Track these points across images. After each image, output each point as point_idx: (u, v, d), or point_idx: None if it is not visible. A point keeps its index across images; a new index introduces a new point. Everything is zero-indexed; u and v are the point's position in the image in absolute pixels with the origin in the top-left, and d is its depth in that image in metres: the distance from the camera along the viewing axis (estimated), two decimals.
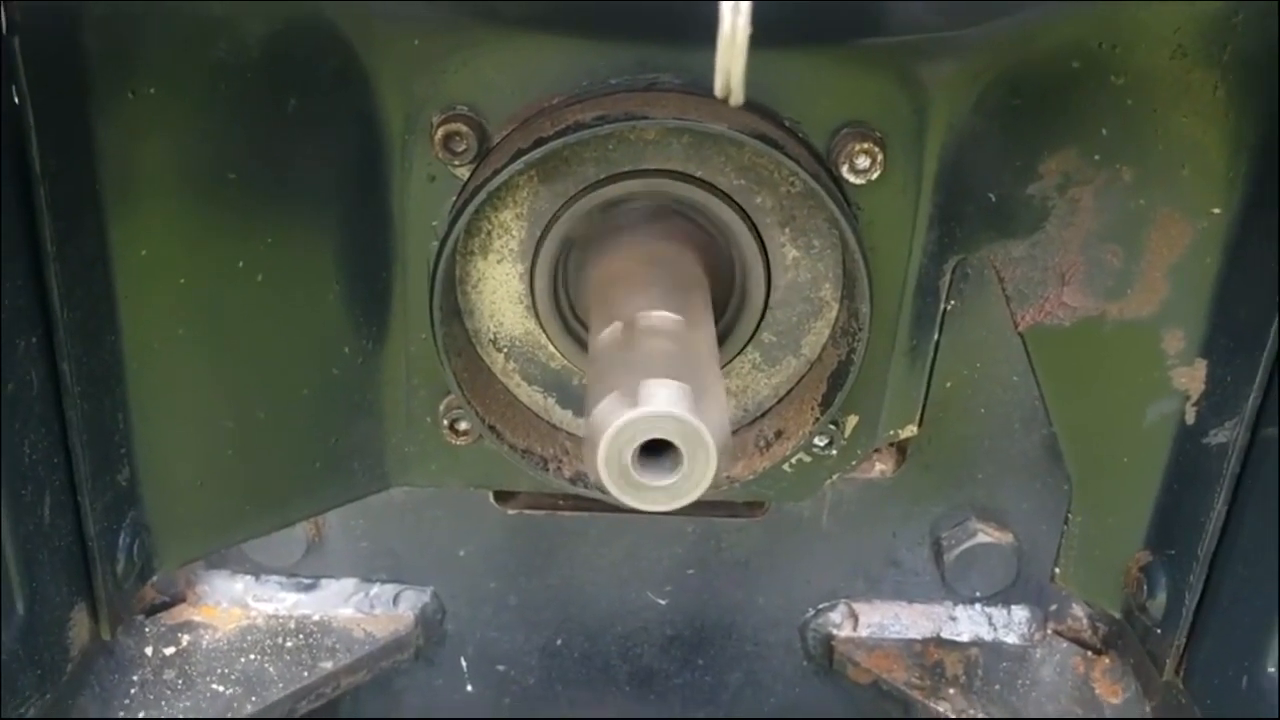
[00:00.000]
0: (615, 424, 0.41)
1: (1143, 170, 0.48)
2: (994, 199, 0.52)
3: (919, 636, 0.74)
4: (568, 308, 0.59)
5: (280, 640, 0.73)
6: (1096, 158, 0.48)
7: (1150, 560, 0.56)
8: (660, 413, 0.41)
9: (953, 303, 0.55)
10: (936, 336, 0.56)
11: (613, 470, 0.42)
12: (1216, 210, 0.47)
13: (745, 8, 0.23)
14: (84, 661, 0.57)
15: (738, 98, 0.27)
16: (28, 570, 0.46)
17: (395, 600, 0.76)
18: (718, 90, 0.27)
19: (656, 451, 0.42)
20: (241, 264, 0.50)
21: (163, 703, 0.67)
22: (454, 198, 0.54)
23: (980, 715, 0.70)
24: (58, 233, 0.44)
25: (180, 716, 0.66)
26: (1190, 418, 0.52)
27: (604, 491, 0.46)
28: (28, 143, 0.43)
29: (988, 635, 0.73)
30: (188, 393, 0.51)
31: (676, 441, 0.42)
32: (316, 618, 0.75)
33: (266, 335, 0.53)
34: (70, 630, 0.50)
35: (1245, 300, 0.48)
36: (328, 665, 0.72)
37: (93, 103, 0.45)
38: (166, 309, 0.49)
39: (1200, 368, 0.51)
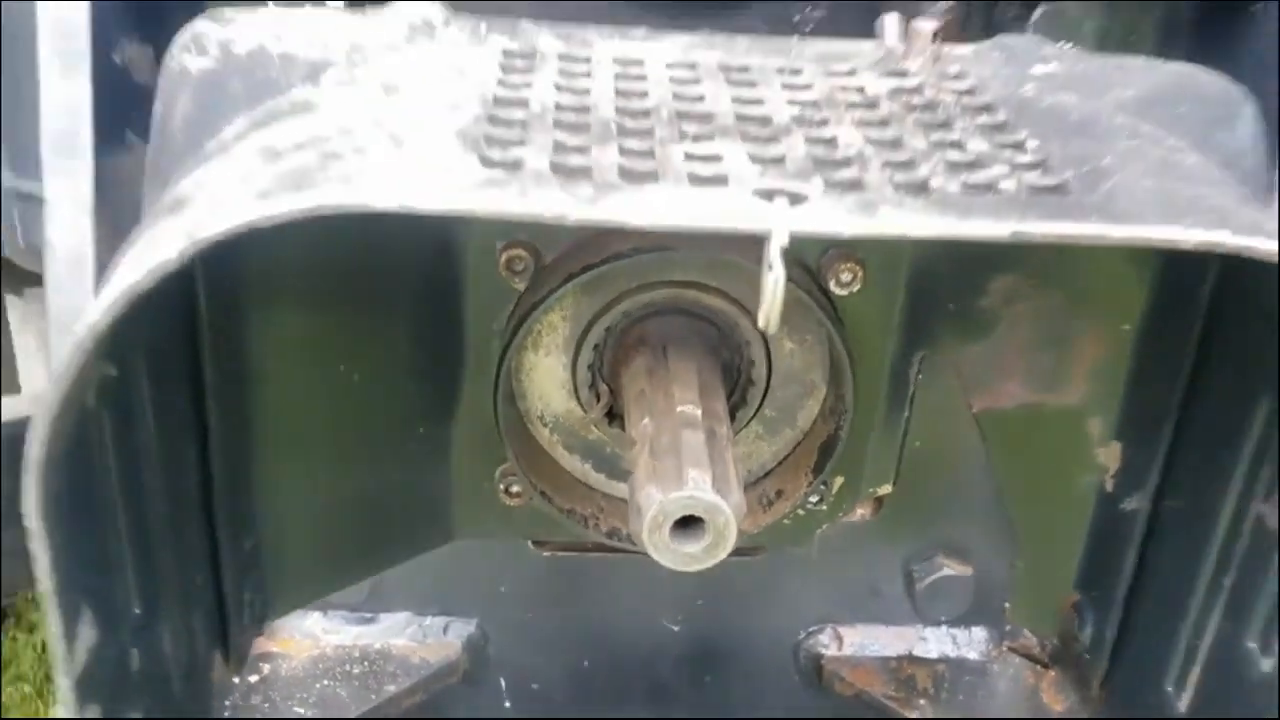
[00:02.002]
0: (658, 503, 0.53)
1: (1071, 294, 0.60)
2: (953, 308, 0.64)
3: (894, 654, 0.86)
4: (604, 389, 0.70)
5: (348, 667, 0.85)
6: (1034, 282, 0.60)
7: (1080, 599, 0.69)
8: (694, 496, 0.53)
9: (920, 388, 0.67)
10: (907, 414, 0.69)
11: (654, 539, 0.54)
12: (1126, 327, 0.59)
13: (781, 276, 0.35)
14: None
15: (774, 328, 0.38)
16: (189, 628, 0.57)
17: (445, 630, 0.87)
18: (760, 324, 0.38)
19: (688, 523, 0.54)
20: (346, 372, 0.62)
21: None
22: (512, 306, 0.65)
23: (946, 718, 0.83)
24: (216, 386, 0.55)
25: None
26: (1109, 487, 0.64)
27: (642, 550, 0.58)
28: (201, 334, 0.53)
29: (952, 652, 0.85)
30: (301, 477, 0.63)
31: (705, 518, 0.54)
32: (378, 646, 0.86)
33: (362, 424, 0.64)
34: (213, 673, 0.62)
35: (1149, 397, 0.60)
36: (391, 688, 0.84)
37: (251, 303, 0.56)
38: (290, 417, 0.60)
39: (1115, 448, 0.63)
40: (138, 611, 0.49)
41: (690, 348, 0.66)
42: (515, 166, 0.37)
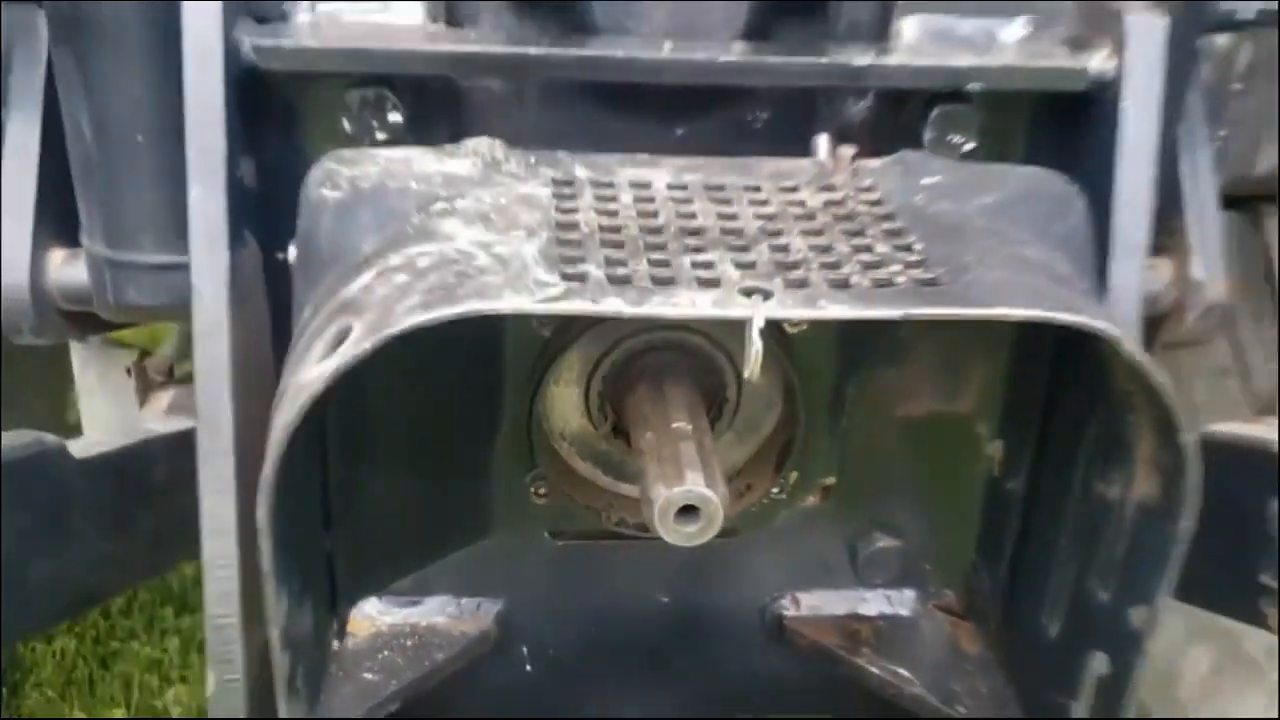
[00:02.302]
0: (665, 497, 0.73)
1: (957, 338, 0.80)
2: (873, 346, 0.84)
3: (841, 613, 1.06)
4: (610, 411, 0.90)
5: (402, 640, 1.03)
6: (929, 331, 0.81)
7: (977, 560, 0.90)
8: (691, 491, 0.73)
9: (853, 402, 0.88)
10: (844, 422, 0.89)
11: (663, 524, 0.73)
12: (1001, 357, 0.80)
13: (760, 346, 0.54)
14: None
15: (755, 378, 0.57)
16: (321, 604, 0.76)
17: (478, 608, 1.06)
18: (745, 375, 0.57)
19: (687, 511, 0.74)
20: (422, 413, 0.81)
21: (334, 685, 0.97)
22: (539, 351, 0.85)
23: (885, 664, 1.03)
24: (336, 429, 0.73)
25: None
26: (995, 473, 0.85)
27: (651, 533, 0.77)
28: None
29: (888, 610, 1.05)
30: (387, 489, 0.82)
31: (700, 507, 0.73)
32: (424, 624, 1.05)
33: (432, 448, 0.84)
34: (331, 641, 0.80)
35: (1020, 407, 0.80)
36: (438, 656, 1.02)
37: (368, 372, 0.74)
38: (384, 446, 0.79)
39: (998, 445, 0.83)
40: (303, 589, 0.67)
41: (679, 377, 0.85)
42: (583, 279, 0.56)
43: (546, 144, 0.82)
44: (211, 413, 0.76)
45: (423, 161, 0.68)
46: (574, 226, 0.62)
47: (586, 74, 0.79)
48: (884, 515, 1.00)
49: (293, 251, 0.71)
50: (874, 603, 1.07)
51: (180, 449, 1.15)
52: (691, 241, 0.61)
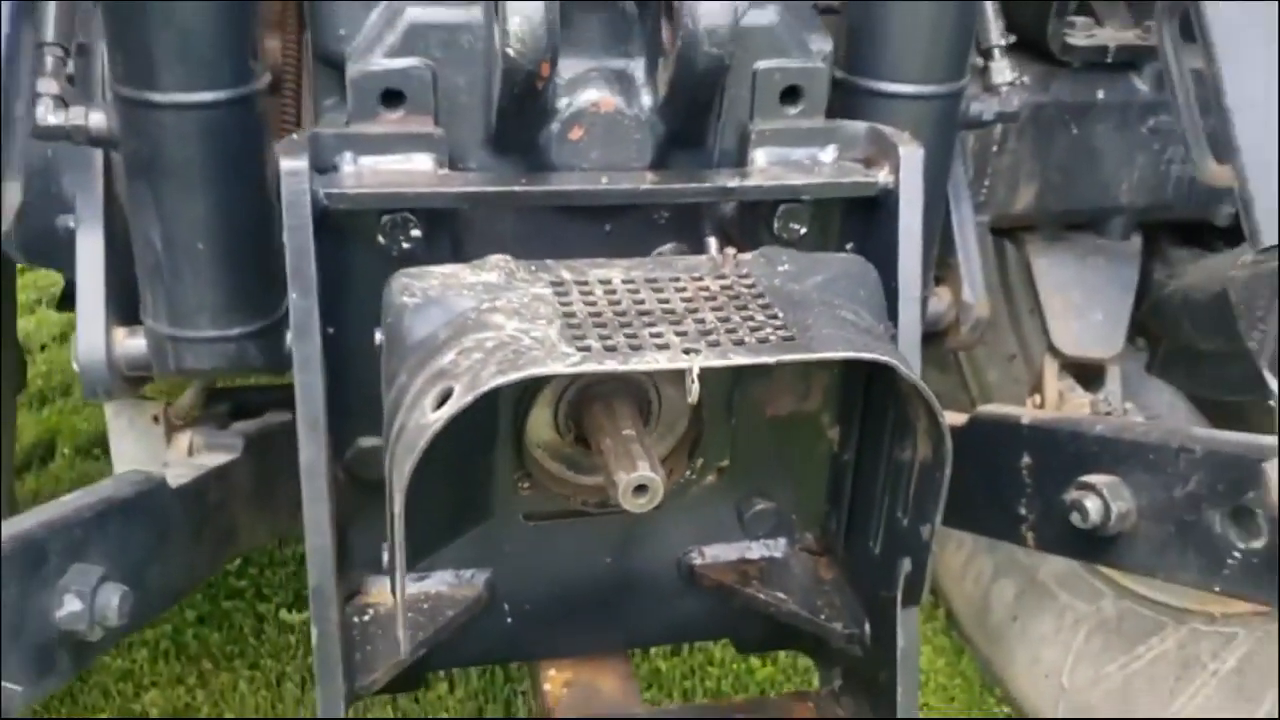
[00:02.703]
0: (625, 480, 1.12)
1: (806, 366, 1.22)
2: (756, 371, 1.24)
3: (735, 559, 1.46)
4: (572, 425, 1.27)
5: (421, 604, 1.38)
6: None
7: (827, 509, 1.32)
8: (643, 475, 1.11)
9: (738, 407, 1.28)
10: (734, 420, 1.29)
11: (625, 498, 1.12)
12: (835, 371, 1.22)
13: (697, 386, 0.92)
14: None
15: (694, 401, 0.96)
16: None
17: (472, 577, 1.42)
18: (689, 400, 0.95)
19: (640, 490, 1.13)
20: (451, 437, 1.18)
21: (378, 639, 1.32)
22: (523, 387, 1.22)
23: (768, 592, 1.43)
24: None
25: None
26: (835, 450, 1.27)
27: (604, 510, 1.16)
28: None
29: (767, 554, 1.46)
30: (431, 498, 1.18)
31: (649, 486, 1.12)
32: (434, 592, 1.40)
33: (458, 458, 1.20)
34: None
35: (847, 404, 1.22)
36: (448, 614, 1.38)
37: None
38: (430, 467, 1.16)
39: (836, 430, 1.25)
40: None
41: (623, 399, 1.24)
42: (589, 349, 0.93)
43: (521, 242, 1.20)
44: (311, 451, 1.12)
45: (465, 274, 1.05)
46: (573, 314, 1.00)
47: (551, 201, 1.18)
48: (761, 486, 1.40)
49: (379, 336, 1.07)
50: (757, 549, 1.47)
51: (223, 478, 1.49)
52: (645, 319, 1.00)
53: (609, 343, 0.96)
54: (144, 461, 1.63)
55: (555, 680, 1.49)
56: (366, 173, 1.16)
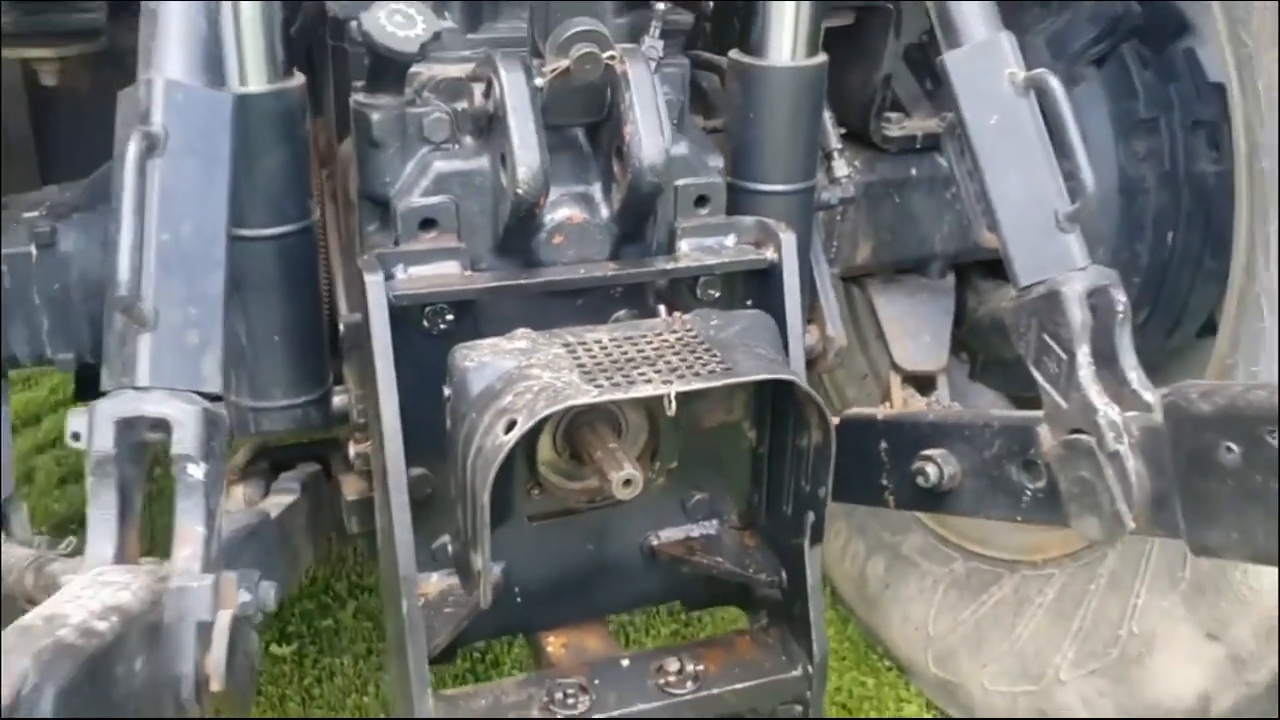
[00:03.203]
0: (618, 477, 1.61)
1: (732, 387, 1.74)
2: (698, 394, 1.77)
3: (682, 538, 1.97)
4: (568, 445, 1.75)
5: (457, 590, 1.85)
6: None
7: (752, 490, 1.83)
8: (630, 473, 1.61)
9: (683, 422, 1.79)
10: (681, 431, 1.80)
11: (618, 489, 1.60)
12: (751, 390, 1.74)
13: (674, 407, 1.41)
14: None
15: (671, 413, 1.45)
16: None
17: (492, 570, 1.90)
18: (668, 413, 1.44)
19: (627, 483, 1.62)
20: None
21: (429, 619, 1.77)
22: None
23: (708, 559, 1.94)
24: None
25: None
26: (753, 445, 1.78)
27: (599, 503, 1.66)
28: None
29: (706, 532, 1.95)
30: None
31: (633, 479, 1.62)
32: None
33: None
34: None
35: (760, 413, 1.75)
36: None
37: None
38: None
39: (754, 431, 1.76)
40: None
41: (604, 423, 1.73)
42: (601, 385, 1.43)
43: (523, 318, 1.69)
44: (395, 473, 1.59)
45: (503, 344, 1.54)
46: (584, 364, 1.50)
47: (544, 289, 1.69)
48: (699, 481, 1.90)
49: (447, 391, 1.55)
50: (697, 530, 1.95)
51: (290, 514, 1.93)
52: (630, 363, 1.51)
53: (612, 380, 1.47)
54: None
55: (554, 643, 1.95)
56: (414, 278, 1.65)
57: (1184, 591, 2.12)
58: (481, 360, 1.52)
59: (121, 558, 1.18)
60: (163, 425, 1.19)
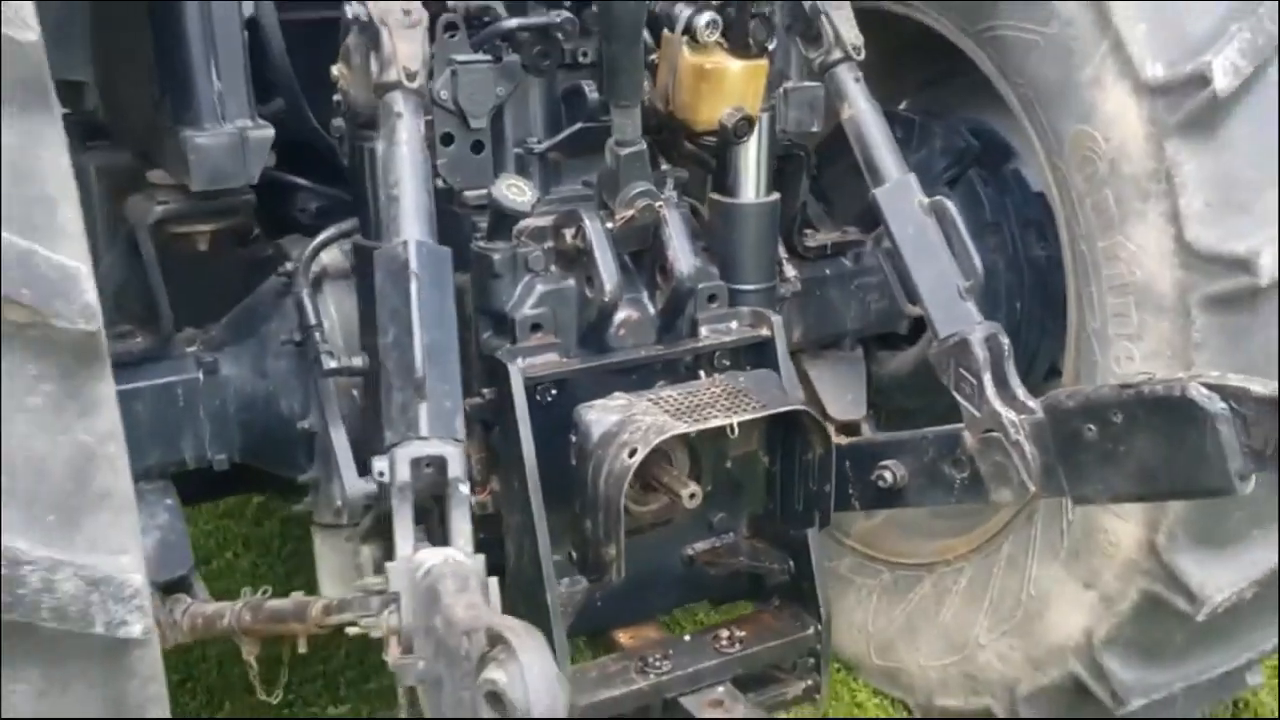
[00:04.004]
0: (686, 490, 2.31)
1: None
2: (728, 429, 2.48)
3: (709, 548, 2.65)
4: (636, 478, 2.44)
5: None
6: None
7: (767, 505, 2.55)
8: (695, 487, 2.31)
9: (714, 459, 2.50)
10: (711, 465, 2.50)
11: (686, 499, 2.32)
12: (767, 421, 2.47)
13: (735, 432, 2.09)
14: None
15: (734, 436, 2.14)
16: None
17: (583, 581, 2.54)
18: (730, 435, 2.12)
19: (693, 495, 2.32)
20: None
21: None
22: None
23: (731, 560, 2.62)
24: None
25: None
26: (768, 466, 2.51)
27: (660, 521, 2.35)
28: None
29: (727, 541, 2.66)
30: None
31: (697, 493, 2.32)
32: (564, 591, 2.51)
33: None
34: None
35: (775, 441, 2.48)
36: (577, 600, 2.49)
37: None
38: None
39: (767, 454, 2.49)
40: None
41: (665, 459, 2.43)
42: (684, 421, 2.13)
43: (598, 384, 2.38)
44: (536, 502, 2.24)
45: (610, 403, 2.23)
46: (669, 410, 2.21)
47: (615, 367, 2.40)
48: (720, 503, 2.62)
49: (573, 437, 2.23)
50: (719, 540, 2.67)
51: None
52: (698, 408, 2.23)
53: (693, 418, 2.18)
54: (343, 569, 2.64)
55: (625, 636, 2.61)
56: (529, 366, 2.33)
57: (1063, 558, 2.90)
58: (599, 414, 2.22)
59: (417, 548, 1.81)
60: (438, 461, 1.84)
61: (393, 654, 1.74)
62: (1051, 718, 3.04)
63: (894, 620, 3.45)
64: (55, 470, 1.44)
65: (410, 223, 1.93)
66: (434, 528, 1.85)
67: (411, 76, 1.99)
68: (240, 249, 2.63)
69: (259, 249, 2.69)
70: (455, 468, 1.83)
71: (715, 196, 2.69)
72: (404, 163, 1.96)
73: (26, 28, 1.50)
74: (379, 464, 1.82)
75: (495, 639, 1.32)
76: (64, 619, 1.41)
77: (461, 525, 1.81)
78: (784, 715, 2.56)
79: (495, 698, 1.29)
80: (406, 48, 1.98)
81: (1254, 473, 2.06)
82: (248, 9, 2.35)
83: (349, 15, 2.04)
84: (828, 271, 3.26)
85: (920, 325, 3.37)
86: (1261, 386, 2.03)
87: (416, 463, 1.81)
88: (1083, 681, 2.88)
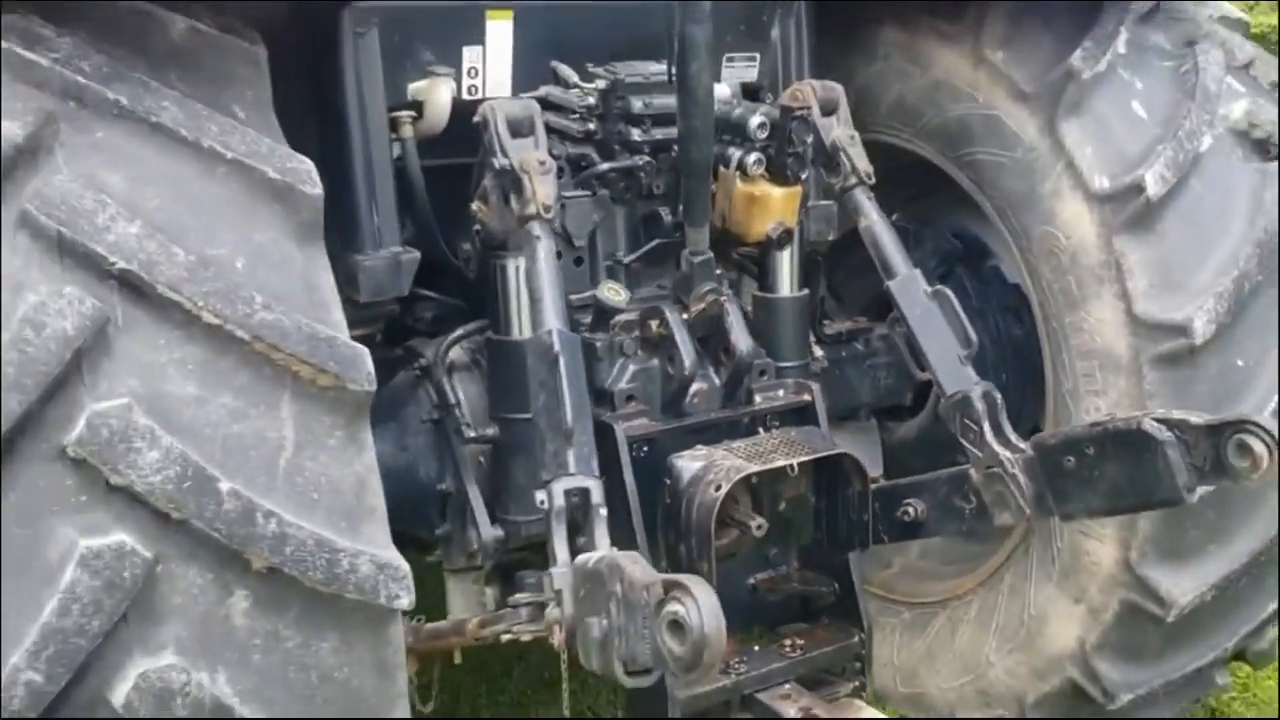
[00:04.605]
0: (754, 523, 2.92)
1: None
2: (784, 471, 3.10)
3: (768, 577, 3.25)
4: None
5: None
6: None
7: (814, 533, 3.15)
8: (762, 520, 2.92)
9: (770, 501, 3.11)
10: (766, 507, 3.11)
11: (755, 531, 2.93)
12: (813, 464, 3.08)
13: (797, 472, 2.70)
14: None
15: (795, 474, 2.73)
16: None
17: None
18: (791, 473, 2.71)
19: (760, 526, 2.93)
20: None
21: None
22: None
23: (787, 586, 3.20)
24: None
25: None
26: (814, 505, 3.12)
27: (731, 553, 2.95)
28: None
29: (779, 572, 3.26)
30: None
31: (764, 524, 2.93)
32: None
33: None
34: None
35: (820, 481, 3.09)
36: None
37: None
38: None
39: (814, 494, 3.10)
40: None
41: (734, 499, 3.04)
42: (755, 464, 2.76)
43: (677, 442, 3.00)
44: (635, 523, 2.84)
45: (695, 453, 2.85)
46: (743, 457, 2.83)
47: (692, 428, 3.03)
48: (778, 538, 3.22)
49: (668, 481, 2.85)
50: (778, 570, 3.26)
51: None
52: (766, 454, 2.85)
53: (762, 461, 2.81)
54: (469, 605, 3.22)
55: None
56: (624, 429, 2.95)
57: (1055, 579, 3.51)
58: (688, 461, 2.84)
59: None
60: (583, 491, 2.45)
61: (558, 638, 2.33)
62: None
63: (915, 652, 4.03)
64: (345, 490, 2.05)
65: (551, 317, 2.58)
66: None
67: (547, 210, 2.66)
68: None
69: (389, 350, 3.32)
70: (596, 495, 2.44)
71: (758, 294, 3.35)
72: (544, 274, 2.61)
73: (314, 184, 2.17)
74: (540, 495, 2.43)
75: (669, 586, 1.92)
76: (362, 592, 1.99)
77: (603, 539, 2.42)
78: None
79: (676, 625, 1.88)
80: (543, 189, 2.64)
81: (1198, 485, 2.68)
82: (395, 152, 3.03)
83: (495, 166, 2.71)
84: (844, 354, 3.91)
85: (921, 398, 4.04)
86: (1198, 418, 2.68)
87: (568, 493, 2.42)
88: (1079, 684, 3.46)
